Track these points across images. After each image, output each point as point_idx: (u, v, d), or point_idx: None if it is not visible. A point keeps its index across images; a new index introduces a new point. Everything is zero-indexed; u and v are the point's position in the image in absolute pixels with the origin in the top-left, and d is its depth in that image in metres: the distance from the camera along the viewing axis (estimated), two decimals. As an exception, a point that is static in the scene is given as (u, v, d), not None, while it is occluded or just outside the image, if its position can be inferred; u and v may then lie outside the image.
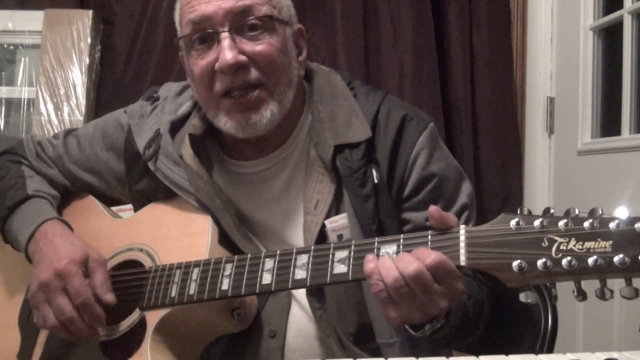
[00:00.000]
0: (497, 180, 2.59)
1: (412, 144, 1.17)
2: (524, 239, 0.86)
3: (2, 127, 2.41)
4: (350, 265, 0.96)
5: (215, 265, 1.07)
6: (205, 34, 1.14)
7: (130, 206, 1.33)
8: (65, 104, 2.34)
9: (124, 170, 1.29)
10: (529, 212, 0.88)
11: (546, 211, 0.86)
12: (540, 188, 2.56)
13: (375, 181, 1.15)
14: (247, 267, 1.04)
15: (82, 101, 2.35)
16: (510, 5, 2.64)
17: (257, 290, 1.03)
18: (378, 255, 0.94)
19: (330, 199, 1.15)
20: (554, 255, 0.83)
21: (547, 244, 0.84)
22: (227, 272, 1.05)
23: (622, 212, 0.81)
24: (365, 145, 1.16)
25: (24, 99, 2.42)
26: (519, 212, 0.88)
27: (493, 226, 0.89)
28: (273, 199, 1.22)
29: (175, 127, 1.25)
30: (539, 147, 2.57)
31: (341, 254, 0.97)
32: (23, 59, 2.45)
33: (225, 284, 1.04)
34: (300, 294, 1.17)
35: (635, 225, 0.79)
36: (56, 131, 2.11)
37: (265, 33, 1.14)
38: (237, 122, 1.15)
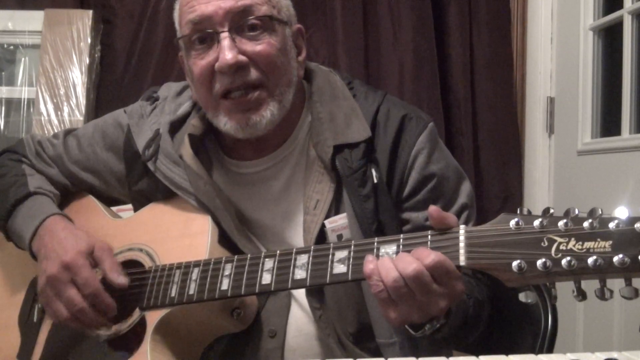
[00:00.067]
0: (497, 180, 2.59)
1: (412, 143, 1.17)
2: (523, 239, 0.86)
3: (2, 127, 2.41)
4: (350, 266, 0.96)
5: (215, 265, 1.07)
6: (204, 34, 1.13)
7: (130, 206, 1.33)
8: (65, 104, 2.34)
9: (124, 170, 1.29)
10: (529, 212, 0.88)
11: (546, 211, 0.86)
12: (540, 188, 2.56)
13: (375, 181, 1.15)
14: (246, 267, 1.04)
15: (82, 101, 2.35)
16: (510, 5, 2.64)
17: (257, 290, 1.03)
18: (378, 256, 0.94)
19: (329, 199, 1.15)
20: (553, 255, 0.83)
21: (546, 244, 0.84)
22: (226, 272, 1.05)
23: (621, 212, 0.81)
24: (364, 145, 1.15)
25: (24, 99, 2.42)
26: (518, 212, 0.88)
27: (493, 226, 0.89)
28: (273, 199, 1.22)
29: (175, 127, 1.25)
30: (539, 147, 2.57)
31: (341, 254, 0.97)
32: (23, 59, 2.45)
33: (225, 284, 1.04)
34: (300, 294, 1.17)
35: (635, 225, 0.79)
36: (56, 131, 2.11)
37: (265, 33, 1.14)
38: (237, 122, 1.14)
